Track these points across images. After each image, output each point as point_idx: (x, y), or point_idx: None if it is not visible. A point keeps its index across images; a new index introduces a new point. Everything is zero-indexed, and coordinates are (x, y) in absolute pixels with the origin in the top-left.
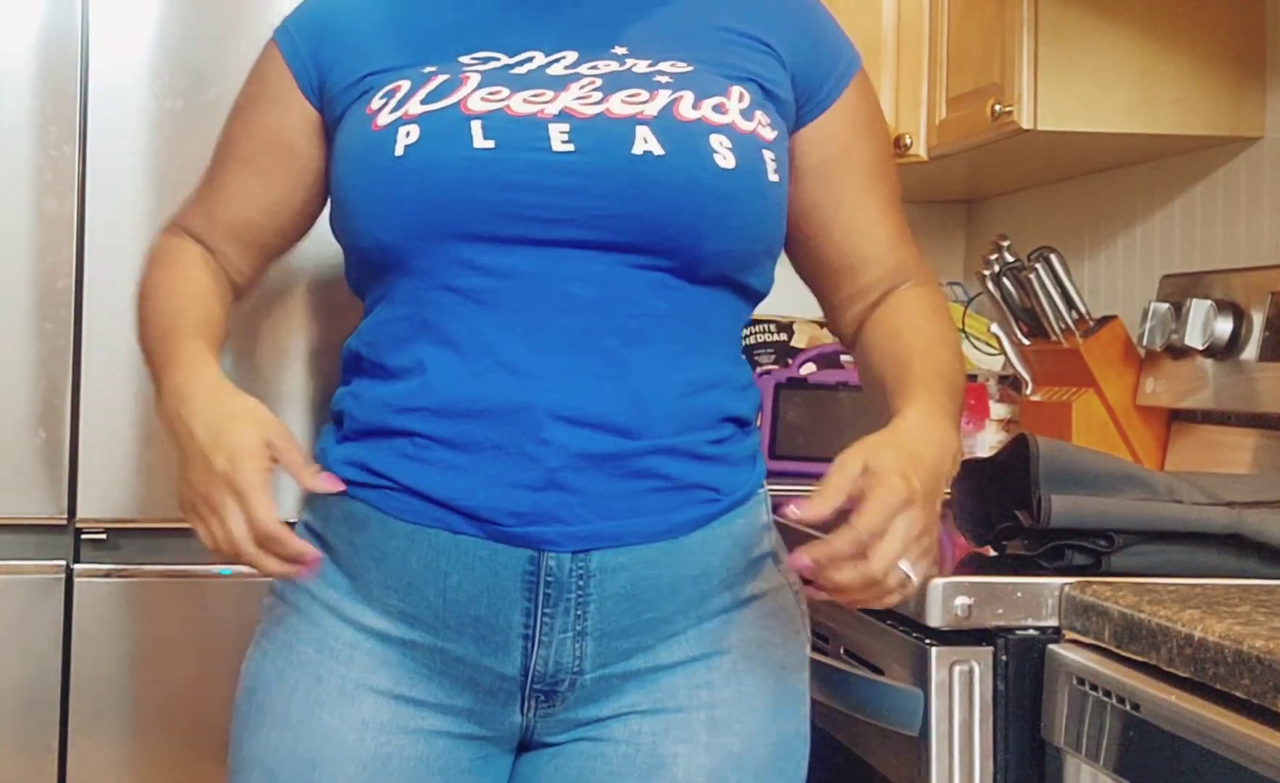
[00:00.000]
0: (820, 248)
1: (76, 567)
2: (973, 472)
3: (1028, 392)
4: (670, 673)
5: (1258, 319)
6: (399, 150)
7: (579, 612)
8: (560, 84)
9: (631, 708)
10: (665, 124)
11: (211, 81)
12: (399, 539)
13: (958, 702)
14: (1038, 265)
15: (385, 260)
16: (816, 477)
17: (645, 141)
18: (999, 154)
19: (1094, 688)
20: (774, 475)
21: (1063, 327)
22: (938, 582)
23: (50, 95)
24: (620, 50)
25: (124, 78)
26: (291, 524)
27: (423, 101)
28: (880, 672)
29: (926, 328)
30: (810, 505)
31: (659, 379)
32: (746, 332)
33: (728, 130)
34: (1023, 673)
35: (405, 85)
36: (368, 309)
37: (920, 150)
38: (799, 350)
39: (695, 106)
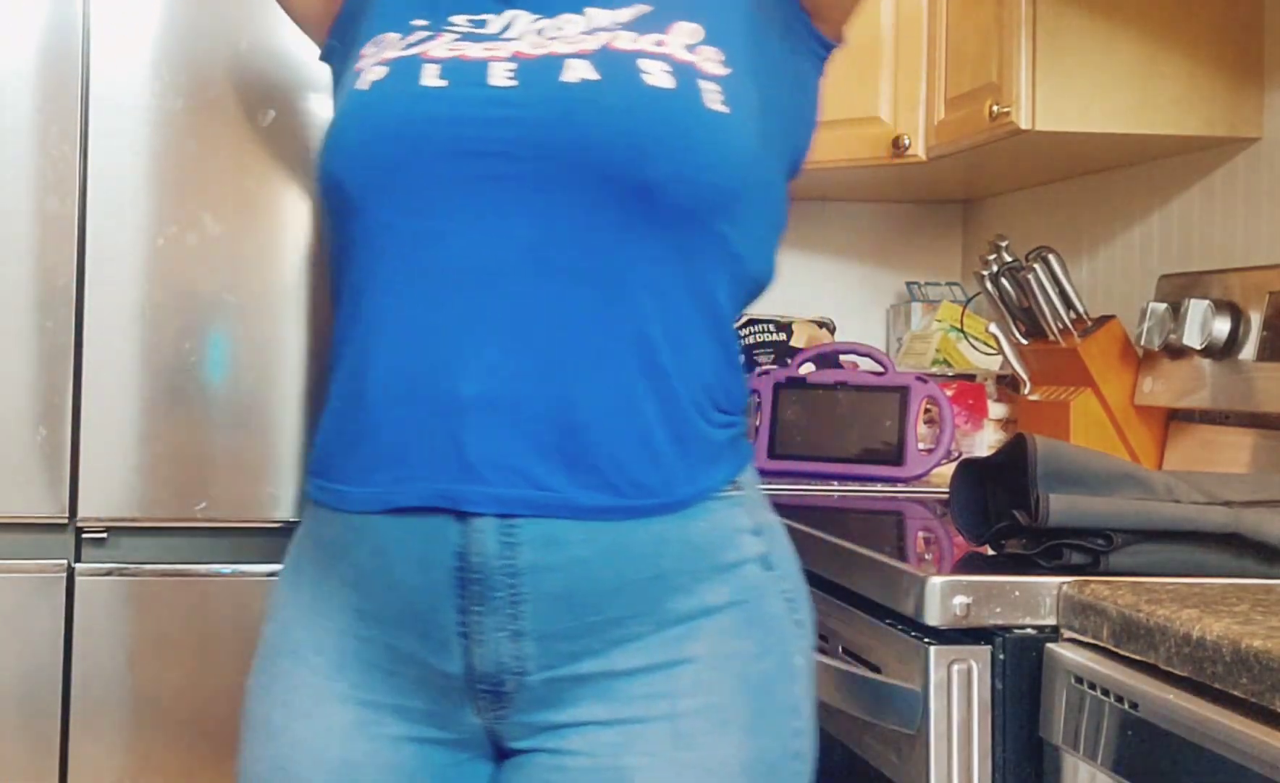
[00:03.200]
0: None
1: (77, 566)
2: (971, 471)
3: (1026, 391)
4: (627, 681)
5: (1255, 319)
6: (364, 85)
7: (511, 612)
8: (519, 33)
9: (590, 718)
10: (600, 55)
11: (212, 82)
12: (353, 533)
13: (956, 701)
14: (1036, 265)
15: (336, 205)
16: (815, 477)
17: (578, 71)
18: (997, 154)
19: (1092, 687)
20: (772, 475)
21: (1061, 326)
22: (936, 581)
23: (51, 95)
24: (595, 10)
25: (125, 78)
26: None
27: (403, 48)
28: (878, 670)
29: None
30: None
31: (594, 364)
32: (745, 332)
33: (663, 58)
34: (1021, 672)
35: (394, 36)
36: (334, 273)
37: (919, 150)
38: (798, 350)
39: (634, 42)
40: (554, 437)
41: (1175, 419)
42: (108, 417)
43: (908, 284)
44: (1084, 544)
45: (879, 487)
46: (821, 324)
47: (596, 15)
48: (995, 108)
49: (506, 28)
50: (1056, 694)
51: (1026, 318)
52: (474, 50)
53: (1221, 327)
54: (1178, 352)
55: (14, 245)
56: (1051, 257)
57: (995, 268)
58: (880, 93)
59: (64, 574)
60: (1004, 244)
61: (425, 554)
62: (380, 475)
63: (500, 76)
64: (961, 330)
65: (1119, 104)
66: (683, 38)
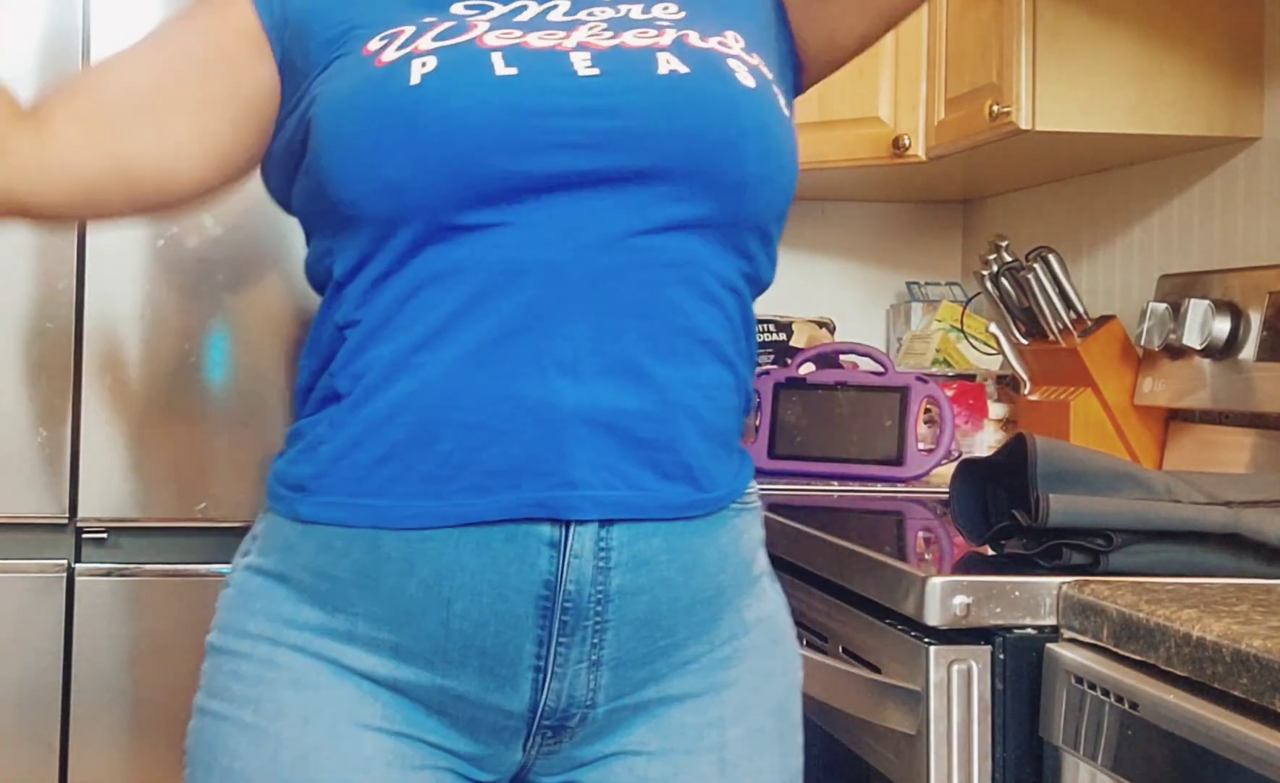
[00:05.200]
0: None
1: (77, 566)
2: (971, 471)
3: (1026, 391)
4: (680, 707)
5: (1255, 319)
6: (414, 79)
7: (595, 640)
8: (568, 27)
9: (639, 748)
10: (682, 50)
11: None
12: (394, 563)
13: (956, 701)
14: (1036, 265)
15: (387, 209)
16: (815, 477)
17: (669, 63)
18: (997, 154)
19: (1092, 687)
20: (772, 475)
21: (1061, 326)
22: (936, 581)
23: None
24: (627, 5)
25: None
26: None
27: (435, 39)
28: (878, 671)
29: None
30: None
31: (679, 360)
32: None
33: (739, 58)
34: (1021, 672)
35: (408, 29)
36: (348, 279)
37: (919, 151)
38: (798, 350)
39: (704, 39)
40: (644, 434)
41: (1175, 419)
42: (108, 418)
43: (908, 284)
44: (1084, 544)
45: (879, 487)
46: (821, 324)
47: (631, 10)
48: (995, 108)
49: (542, 15)
50: (1057, 694)
51: (1026, 318)
52: (533, 40)
53: (1221, 327)
54: (1178, 352)
55: (15, 246)
56: (1051, 256)
57: (995, 268)
58: (880, 93)
59: (64, 574)
60: (1004, 244)
61: (503, 583)
62: (452, 486)
63: (582, 66)
64: (961, 330)
65: (1119, 104)
66: (737, 42)
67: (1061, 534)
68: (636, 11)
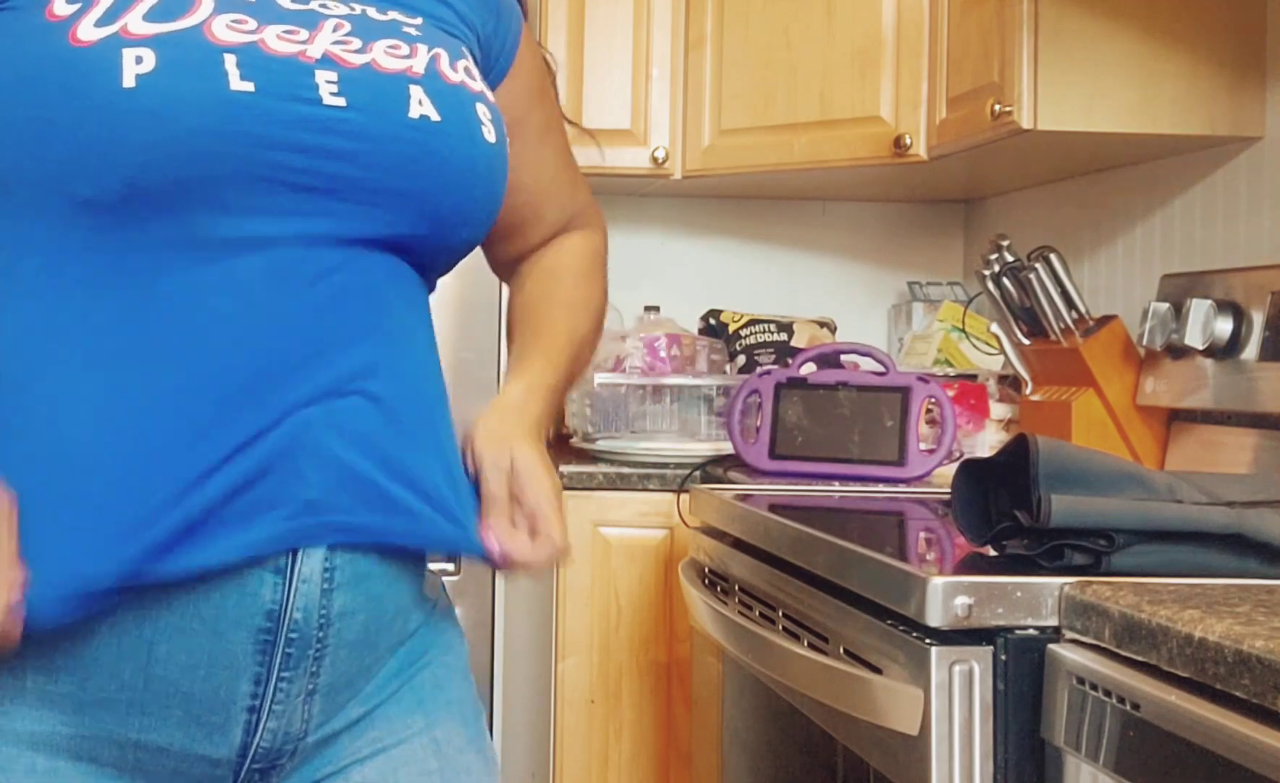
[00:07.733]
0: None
1: None
2: (973, 471)
3: (1027, 391)
4: (383, 707)
5: (1258, 319)
6: (128, 80)
7: (314, 668)
8: (311, 22)
9: (351, 758)
10: (435, 85)
11: None
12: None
13: (957, 702)
14: (1037, 265)
15: (74, 226)
16: (816, 476)
17: (421, 104)
18: (999, 154)
19: (1094, 688)
20: (773, 475)
21: (1062, 326)
22: (938, 581)
23: None
24: None
25: None
26: None
27: (147, 17)
28: (879, 672)
29: (571, 288)
30: (503, 539)
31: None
32: (747, 331)
33: (483, 98)
34: (1022, 673)
35: None
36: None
37: (920, 150)
38: (799, 350)
39: (453, 67)
40: (378, 445)
41: (1177, 419)
42: None
43: (909, 284)
44: (1086, 545)
45: (880, 487)
46: (823, 324)
47: (367, 9)
48: (997, 107)
49: None
50: (1058, 695)
51: (1028, 318)
52: (272, 39)
53: (1223, 327)
54: (1180, 352)
55: None
56: (1053, 256)
57: (997, 267)
58: (882, 92)
59: None
60: (1005, 244)
61: (218, 617)
62: (153, 530)
63: (328, 92)
64: (963, 330)
65: (1121, 103)
66: (473, 73)
67: (1063, 535)
68: (373, 11)
